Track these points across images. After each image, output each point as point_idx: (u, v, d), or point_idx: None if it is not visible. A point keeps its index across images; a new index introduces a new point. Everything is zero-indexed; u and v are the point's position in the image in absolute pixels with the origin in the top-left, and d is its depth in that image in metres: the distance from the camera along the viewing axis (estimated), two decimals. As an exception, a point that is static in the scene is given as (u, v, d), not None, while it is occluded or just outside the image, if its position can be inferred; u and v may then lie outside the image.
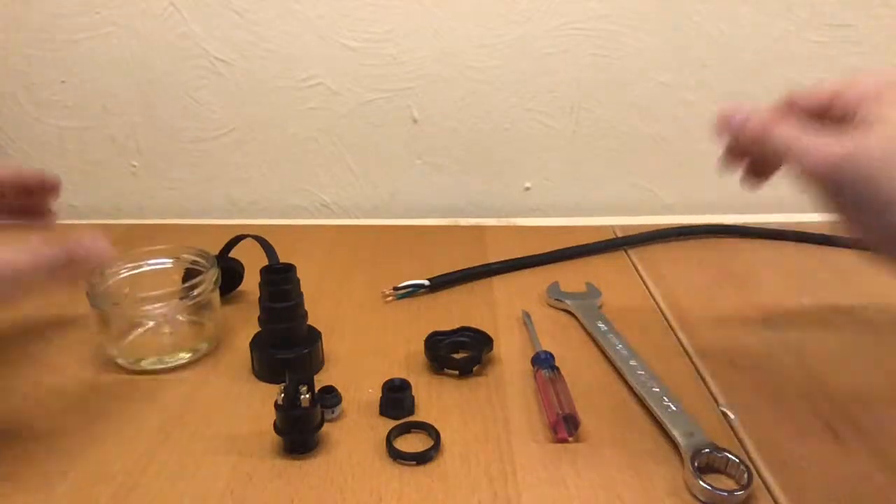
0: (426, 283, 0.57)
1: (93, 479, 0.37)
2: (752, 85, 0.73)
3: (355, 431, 0.41)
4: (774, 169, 0.41)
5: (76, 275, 0.38)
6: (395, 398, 0.42)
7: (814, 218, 0.76)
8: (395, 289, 0.57)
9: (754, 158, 0.41)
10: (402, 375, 0.45)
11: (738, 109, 0.39)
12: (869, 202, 0.33)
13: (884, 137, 0.33)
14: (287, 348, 0.46)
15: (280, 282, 0.45)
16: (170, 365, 0.47)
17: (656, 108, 0.74)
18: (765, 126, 0.37)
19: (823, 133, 0.35)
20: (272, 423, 0.39)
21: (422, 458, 0.39)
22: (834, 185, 0.34)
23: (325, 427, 0.40)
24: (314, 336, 0.48)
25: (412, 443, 0.40)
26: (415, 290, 0.57)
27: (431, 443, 0.40)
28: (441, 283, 0.58)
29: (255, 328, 0.47)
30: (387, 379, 0.44)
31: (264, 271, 0.45)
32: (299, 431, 0.39)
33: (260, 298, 0.45)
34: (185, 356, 0.48)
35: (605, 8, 0.70)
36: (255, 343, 0.47)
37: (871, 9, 0.70)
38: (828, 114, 0.37)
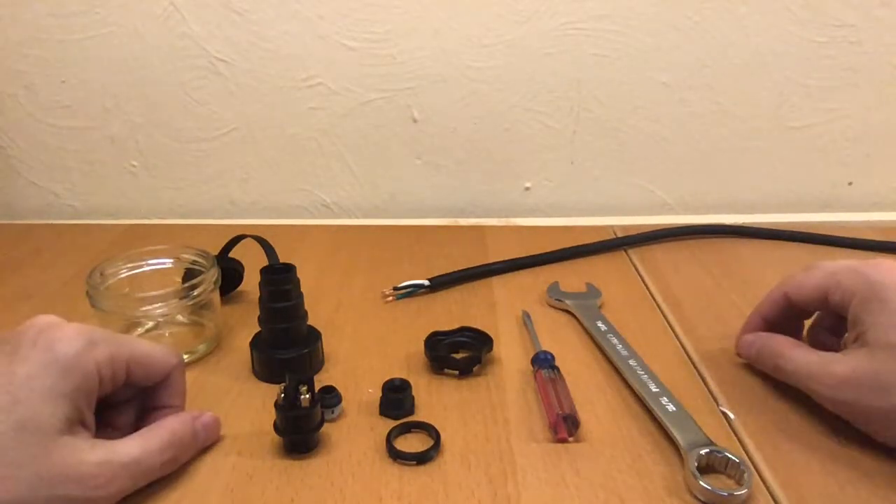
0: (426, 283, 0.57)
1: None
2: (752, 85, 0.73)
3: (355, 431, 0.41)
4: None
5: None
6: (395, 398, 0.42)
7: (813, 218, 0.76)
8: (395, 289, 0.57)
9: None
10: (402, 375, 0.45)
11: (754, 339, 0.45)
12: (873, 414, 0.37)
13: (875, 360, 0.36)
14: (287, 348, 0.46)
15: (280, 282, 0.45)
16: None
17: (656, 108, 0.74)
18: (773, 357, 0.43)
19: (823, 353, 0.40)
20: (272, 423, 0.39)
21: (422, 458, 0.39)
22: (841, 403, 0.39)
23: (325, 427, 0.40)
24: (314, 336, 0.48)
25: (412, 443, 0.40)
26: (415, 290, 0.57)
27: (431, 443, 0.40)
28: (441, 283, 0.58)
29: (255, 328, 0.47)
30: (387, 379, 0.44)
31: (264, 271, 0.45)
32: (299, 431, 0.39)
33: (260, 298, 0.45)
34: (184, 357, 0.48)
35: (605, 8, 0.70)
36: (255, 343, 0.47)
37: (871, 9, 0.70)
38: (826, 305, 0.42)
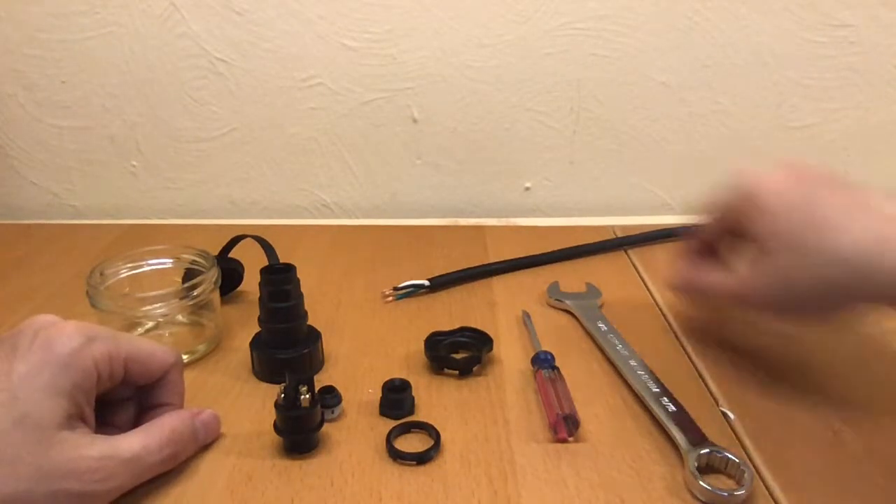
0: (426, 283, 0.57)
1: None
2: (752, 85, 0.73)
3: (355, 431, 0.41)
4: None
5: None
6: (395, 398, 0.42)
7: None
8: (395, 289, 0.57)
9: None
10: (402, 375, 0.45)
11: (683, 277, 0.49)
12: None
13: (772, 271, 0.41)
14: (287, 348, 0.46)
15: (280, 282, 0.45)
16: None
17: (656, 108, 0.74)
18: (690, 280, 0.48)
19: (728, 268, 0.46)
20: (272, 423, 0.39)
21: (422, 459, 0.39)
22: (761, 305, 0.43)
23: (325, 427, 0.40)
24: (314, 336, 0.48)
25: (412, 443, 0.40)
26: (415, 291, 0.57)
27: (431, 443, 0.40)
28: (441, 283, 0.58)
29: (255, 328, 0.47)
30: (387, 379, 0.44)
31: (264, 271, 0.45)
32: (299, 431, 0.39)
33: (260, 298, 0.45)
34: (184, 357, 0.48)
35: (605, 8, 0.70)
36: (255, 343, 0.47)
37: (871, 9, 0.70)
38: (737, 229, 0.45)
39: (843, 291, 0.39)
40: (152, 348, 0.38)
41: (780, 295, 0.41)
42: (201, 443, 0.40)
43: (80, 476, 0.32)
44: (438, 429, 0.40)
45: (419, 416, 0.42)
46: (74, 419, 0.34)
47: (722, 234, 0.48)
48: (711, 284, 0.46)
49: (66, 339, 0.34)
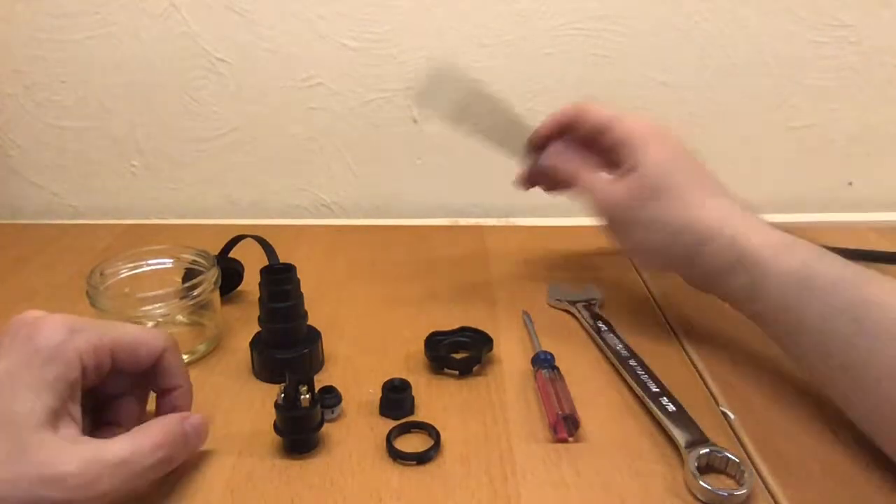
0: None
1: (93, 479, 0.37)
2: (752, 85, 0.73)
3: (355, 431, 0.41)
4: (564, 188, 0.53)
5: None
6: (395, 398, 0.42)
7: (813, 218, 0.76)
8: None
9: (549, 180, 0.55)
10: (402, 375, 0.45)
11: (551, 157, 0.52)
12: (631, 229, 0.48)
13: (646, 178, 0.46)
14: (287, 348, 0.46)
15: (280, 282, 0.45)
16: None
17: (656, 108, 0.74)
18: (563, 162, 0.51)
19: (602, 171, 0.50)
20: (272, 423, 0.39)
21: (422, 458, 0.39)
22: (609, 217, 0.48)
23: (325, 427, 0.40)
24: (314, 336, 0.48)
25: (412, 443, 0.40)
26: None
27: (431, 442, 0.40)
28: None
29: (255, 328, 0.47)
30: (387, 379, 0.44)
31: (264, 271, 0.45)
32: (299, 431, 0.39)
33: (260, 298, 0.45)
34: (184, 357, 0.48)
35: (605, 8, 0.70)
36: (255, 343, 0.47)
37: (871, 9, 0.70)
38: (599, 139, 0.50)
39: (682, 248, 0.45)
40: (139, 334, 0.37)
41: (646, 202, 0.46)
42: (192, 448, 0.38)
43: (61, 482, 0.30)
44: (439, 429, 0.40)
45: (419, 416, 0.42)
46: (60, 417, 0.32)
47: (590, 135, 0.51)
48: (587, 178, 0.50)
49: (48, 333, 0.33)
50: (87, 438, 0.33)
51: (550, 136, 0.53)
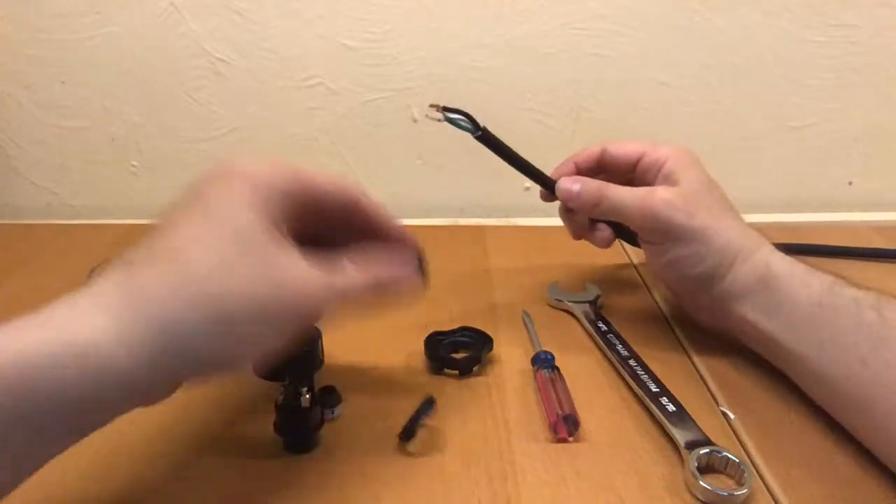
0: (478, 129, 0.49)
1: (91, 479, 0.37)
2: (752, 85, 0.73)
3: (355, 431, 0.41)
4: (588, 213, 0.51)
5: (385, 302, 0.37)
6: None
7: (813, 218, 0.76)
8: (445, 109, 0.48)
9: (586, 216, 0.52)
10: (402, 375, 0.45)
11: (573, 183, 0.49)
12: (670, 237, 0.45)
13: (685, 191, 0.45)
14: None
15: None
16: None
17: (656, 108, 0.74)
18: (598, 189, 0.47)
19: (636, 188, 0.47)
20: (272, 423, 0.39)
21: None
22: (660, 221, 0.45)
23: (325, 427, 0.40)
24: (314, 334, 0.48)
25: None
26: (462, 127, 0.49)
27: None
28: (488, 141, 0.50)
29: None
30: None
31: None
32: (299, 431, 0.39)
33: None
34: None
35: (605, 8, 0.70)
36: None
37: (871, 9, 0.70)
38: (633, 168, 0.49)
39: (715, 264, 0.45)
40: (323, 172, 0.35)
41: (677, 215, 0.44)
42: (410, 287, 0.38)
43: (295, 304, 0.30)
44: (439, 428, 0.40)
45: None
46: (284, 239, 0.31)
47: (625, 167, 0.50)
48: (616, 192, 0.47)
49: (249, 165, 0.32)
50: (314, 263, 0.32)
51: (578, 173, 0.51)
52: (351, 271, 0.34)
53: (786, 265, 0.43)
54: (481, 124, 0.48)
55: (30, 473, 0.28)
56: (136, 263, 0.30)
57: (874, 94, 0.73)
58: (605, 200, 0.47)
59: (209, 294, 0.28)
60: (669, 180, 0.46)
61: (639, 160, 0.49)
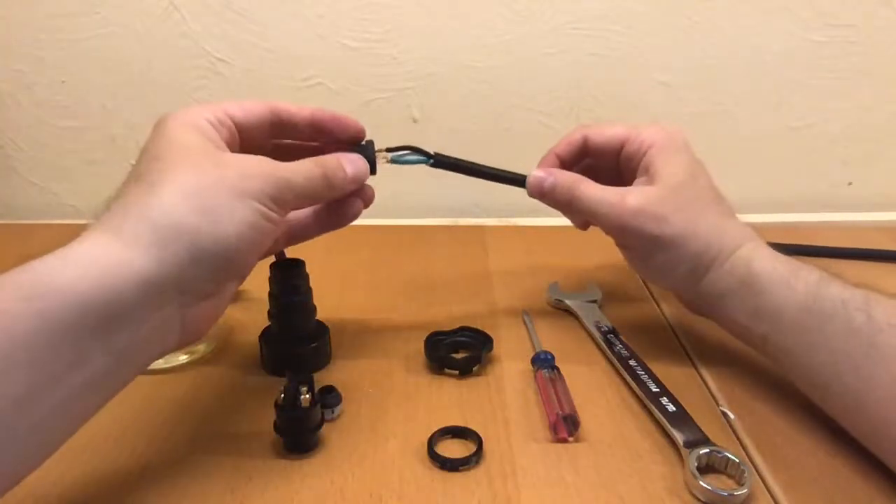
0: (430, 156, 0.48)
1: (91, 479, 0.37)
2: (752, 85, 0.73)
3: (355, 431, 0.41)
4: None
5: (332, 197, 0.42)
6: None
7: (813, 218, 0.76)
8: (389, 150, 0.47)
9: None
10: (402, 375, 0.45)
11: (546, 175, 0.47)
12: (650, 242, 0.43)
13: (659, 195, 0.43)
14: (298, 342, 0.47)
15: (292, 276, 0.45)
16: (168, 366, 0.47)
17: (656, 108, 0.74)
18: (570, 189, 0.45)
19: (615, 187, 0.44)
20: (272, 422, 0.39)
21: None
22: (629, 230, 0.43)
23: (325, 427, 0.40)
24: (323, 330, 0.48)
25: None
26: (413, 161, 0.47)
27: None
28: (442, 163, 0.49)
29: (256, 327, 0.48)
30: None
31: (274, 267, 0.46)
32: (299, 431, 0.39)
33: (270, 293, 0.46)
34: (183, 358, 0.48)
35: (604, 8, 0.70)
36: (266, 337, 0.48)
37: (871, 9, 0.70)
38: (618, 154, 0.47)
39: (693, 267, 0.43)
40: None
41: (648, 224, 0.42)
42: (349, 177, 0.41)
43: (257, 185, 0.34)
44: (438, 428, 0.40)
45: (418, 417, 0.42)
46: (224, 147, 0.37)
47: (608, 155, 0.48)
48: (587, 191, 0.45)
49: (180, 111, 0.38)
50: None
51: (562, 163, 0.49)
52: (295, 163, 0.38)
53: (767, 264, 0.42)
54: (431, 151, 0.48)
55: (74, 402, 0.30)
56: (122, 193, 0.36)
57: (874, 94, 0.73)
58: (577, 202, 0.45)
59: (176, 185, 0.33)
60: (649, 172, 0.44)
61: (622, 146, 0.46)
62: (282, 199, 0.36)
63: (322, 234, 0.45)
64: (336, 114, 0.43)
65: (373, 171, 0.43)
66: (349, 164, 0.41)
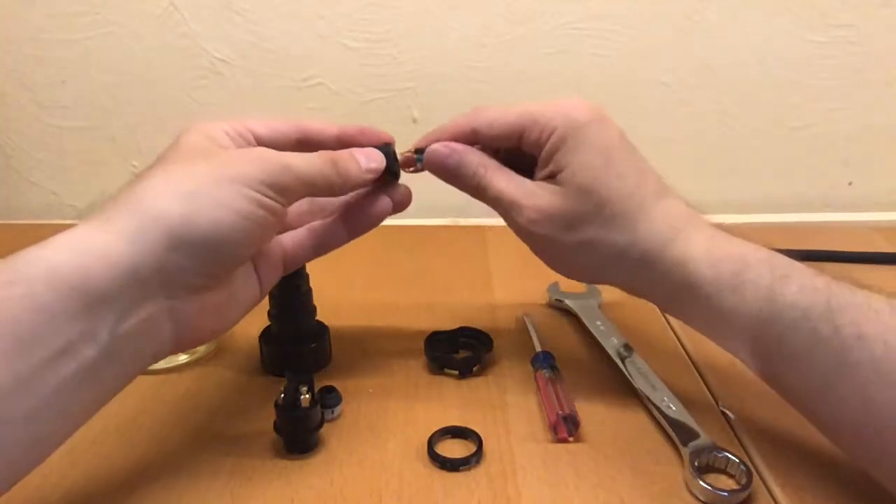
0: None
1: (92, 479, 0.37)
2: (752, 85, 0.73)
3: (355, 431, 0.41)
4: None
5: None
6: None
7: (813, 218, 0.76)
8: (418, 150, 0.44)
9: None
10: (402, 375, 0.45)
11: (447, 154, 0.42)
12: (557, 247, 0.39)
13: (567, 199, 0.38)
14: (298, 342, 0.47)
15: (292, 276, 0.45)
16: (168, 366, 0.47)
17: (656, 108, 0.74)
18: (477, 176, 0.41)
19: (525, 182, 0.39)
20: (272, 422, 0.39)
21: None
22: (537, 236, 0.39)
23: (325, 427, 0.40)
24: (323, 330, 0.48)
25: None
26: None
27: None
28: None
29: (256, 328, 0.47)
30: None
31: None
32: (299, 431, 0.39)
33: (270, 293, 0.46)
34: (183, 358, 0.48)
35: (604, 8, 0.70)
36: (266, 337, 0.48)
37: (871, 9, 0.70)
38: (517, 143, 0.40)
39: (623, 270, 0.39)
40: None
41: (557, 230, 0.38)
42: (363, 167, 0.40)
43: (246, 178, 0.34)
44: (438, 428, 0.40)
45: (418, 417, 0.42)
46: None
47: (504, 146, 0.41)
48: (495, 181, 0.40)
49: (202, 122, 0.38)
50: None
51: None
52: (303, 153, 0.37)
53: (708, 268, 0.36)
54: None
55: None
56: (123, 189, 0.34)
57: (874, 94, 0.73)
58: (481, 191, 0.41)
59: (163, 175, 0.33)
60: (551, 165, 0.38)
61: (520, 137, 0.39)
62: (280, 185, 0.34)
63: (354, 240, 0.44)
64: (364, 127, 0.42)
65: (395, 175, 0.42)
66: (363, 155, 0.40)
